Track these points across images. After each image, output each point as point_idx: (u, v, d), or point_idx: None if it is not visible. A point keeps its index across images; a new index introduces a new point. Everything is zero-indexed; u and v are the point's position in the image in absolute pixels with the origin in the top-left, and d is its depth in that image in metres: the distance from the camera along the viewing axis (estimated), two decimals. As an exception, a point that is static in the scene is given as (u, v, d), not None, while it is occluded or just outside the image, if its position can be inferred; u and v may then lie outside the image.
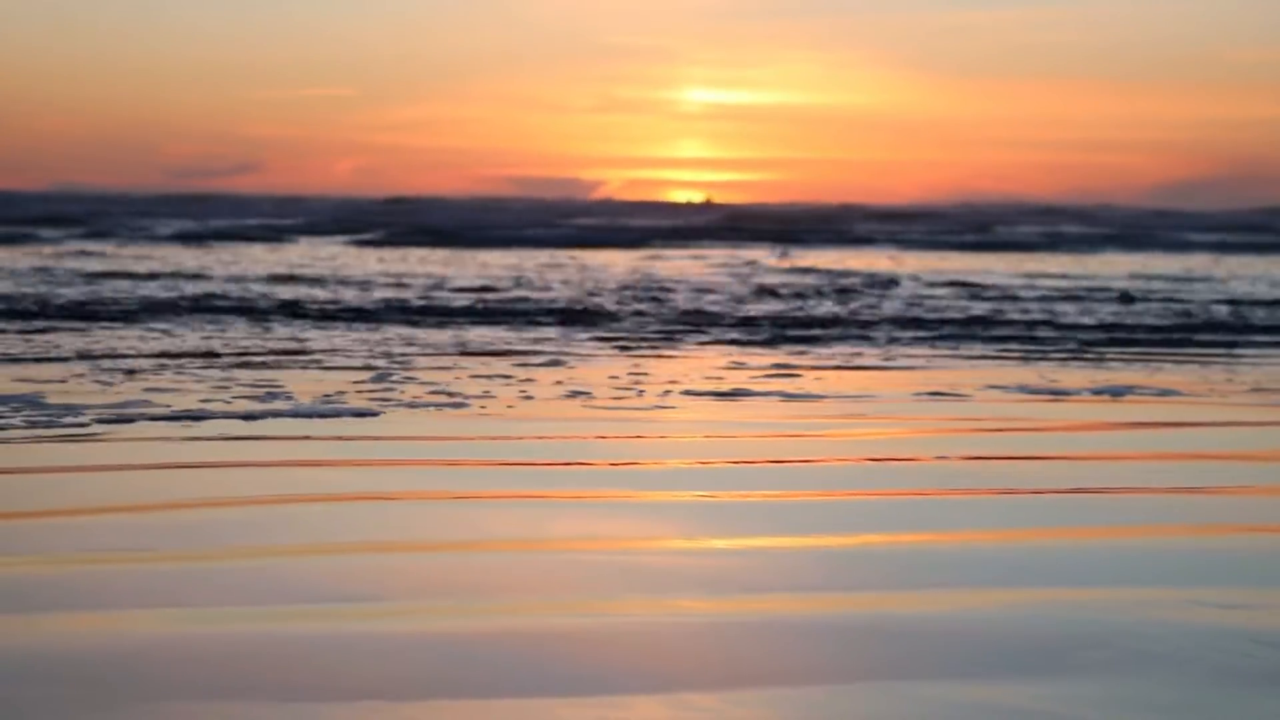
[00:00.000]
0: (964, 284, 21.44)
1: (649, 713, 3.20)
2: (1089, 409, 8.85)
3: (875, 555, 4.77)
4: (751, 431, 7.73)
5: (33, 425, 7.29)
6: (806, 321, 15.13)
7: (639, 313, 15.78)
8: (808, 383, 9.86)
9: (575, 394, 8.98)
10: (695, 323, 14.72)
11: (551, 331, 13.53)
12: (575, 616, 3.92)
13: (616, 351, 11.87)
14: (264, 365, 10.25)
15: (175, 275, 20.65)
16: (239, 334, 12.66)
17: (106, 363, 10.21)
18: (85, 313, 14.47)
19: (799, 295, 18.88)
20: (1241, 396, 9.58)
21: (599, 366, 10.68)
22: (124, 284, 18.65)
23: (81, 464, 6.34)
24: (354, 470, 6.38)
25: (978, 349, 12.70)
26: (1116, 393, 9.56)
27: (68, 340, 11.80)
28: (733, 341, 12.97)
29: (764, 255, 31.07)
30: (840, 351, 12.19)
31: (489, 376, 9.82)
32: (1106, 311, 17.05)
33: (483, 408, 8.31)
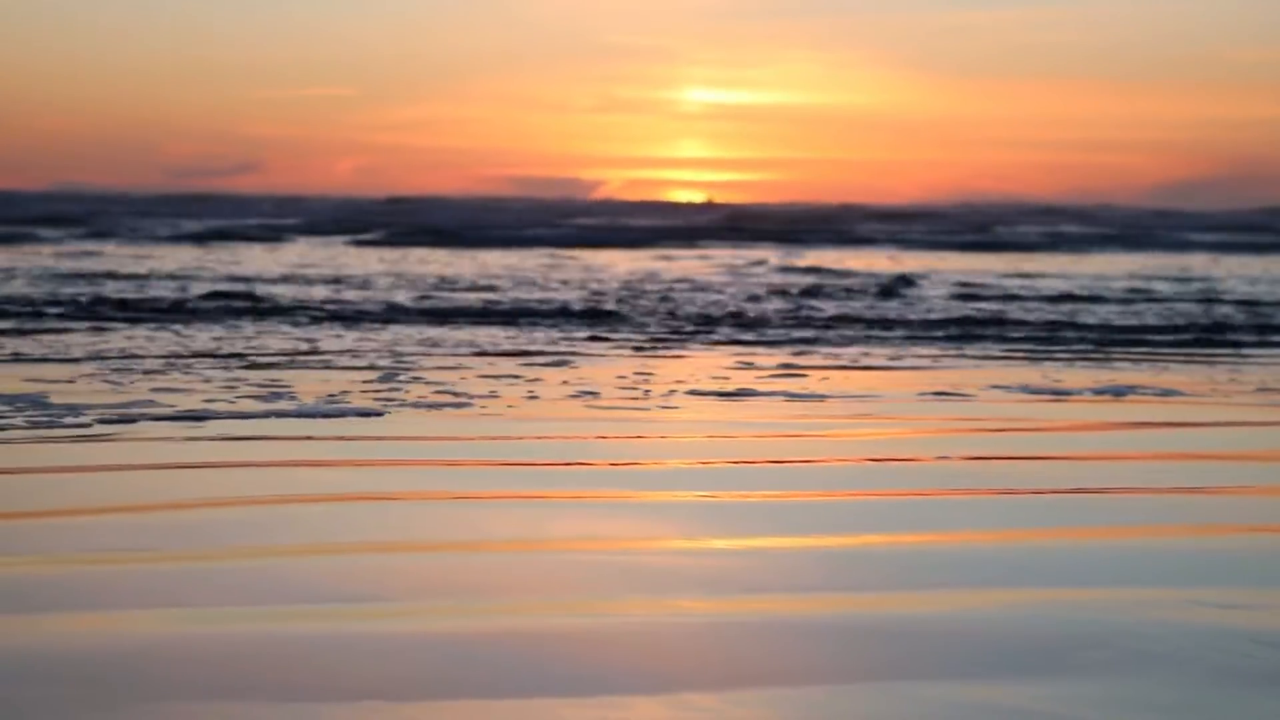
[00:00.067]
0: (967, 284, 21.46)
1: (649, 713, 3.20)
2: (1090, 409, 8.85)
3: (876, 555, 4.77)
4: (754, 432, 7.73)
5: (34, 425, 7.30)
6: (814, 322, 15.14)
7: (646, 312, 15.80)
8: (813, 383, 9.86)
9: (581, 394, 8.99)
10: (703, 323, 14.73)
11: (558, 332, 13.54)
12: (575, 616, 3.92)
13: (624, 352, 11.88)
14: (271, 365, 10.26)
15: (176, 275, 20.66)
16: (245, 334, 12.67)
17: (111, 363, 10.22)
18: (90, 313, 14.48)
19: (806, 294, 18.90)
20: (1245, 397, 9.58)
21: (606, 367, 10.68)
22: (126, 284, 18.66)
23: (82, 464, 6.34)
24: (355, 470, 6.38)
25: (983, 349, 12.71)
26: (1118, 393, 9.56)
27: (71, 340, 11.81)
28: (740, 341, 12.98)
29: (769, 255, 31.07)
30: (847, 352, 12.20)
31: (495, 377, 9.83)
32: (1108, 311, 17.06)
33: (483, 408, 8.32)
